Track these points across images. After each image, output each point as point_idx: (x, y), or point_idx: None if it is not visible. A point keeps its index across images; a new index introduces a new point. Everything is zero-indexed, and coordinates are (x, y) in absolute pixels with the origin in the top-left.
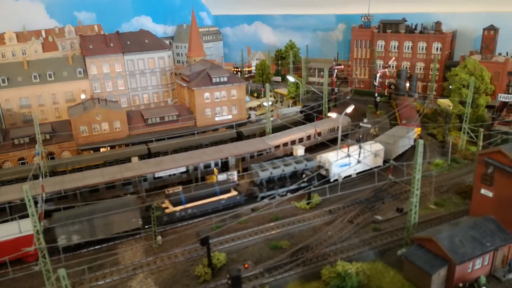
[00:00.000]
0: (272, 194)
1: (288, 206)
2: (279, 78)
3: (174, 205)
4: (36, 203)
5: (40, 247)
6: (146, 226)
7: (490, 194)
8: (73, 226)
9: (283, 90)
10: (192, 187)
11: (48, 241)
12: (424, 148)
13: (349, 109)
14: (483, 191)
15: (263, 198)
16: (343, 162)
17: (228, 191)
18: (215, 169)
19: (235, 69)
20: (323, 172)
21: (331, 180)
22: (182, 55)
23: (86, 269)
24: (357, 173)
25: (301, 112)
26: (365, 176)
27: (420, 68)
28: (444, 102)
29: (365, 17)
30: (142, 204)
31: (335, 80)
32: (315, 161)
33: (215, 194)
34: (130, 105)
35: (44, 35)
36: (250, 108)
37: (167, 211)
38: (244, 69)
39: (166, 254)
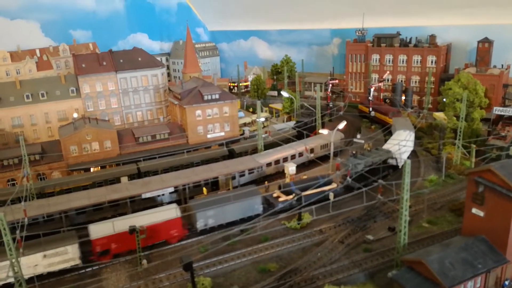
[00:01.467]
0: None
1: (278, 226)
2: (275, 93)
3: (286, 195)
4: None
5: (16, 276)
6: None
7: (482, 214)
8: (210, 211)
9: (279, 105)
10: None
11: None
12: (418, 164)
13: (341, 125)
14: (474, 210)
15: (359, 188)
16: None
17: (330, 183)
18: (204, 188)
19: (231, 84)
20: (392, 162)
21: (400, 166)
22: (178, 71)
23: None
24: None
25: (293, 128)
26: (357, 194)
27: (416, 82)
28: (440, 116)
29: (359, 31)
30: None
31: (330, 94)
32: (390, 153)
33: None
34: (124, 123)
35: (38, 54)
36: (245, 124)
37: (280, 199)
38: (240, 84)
39: (151, 279)
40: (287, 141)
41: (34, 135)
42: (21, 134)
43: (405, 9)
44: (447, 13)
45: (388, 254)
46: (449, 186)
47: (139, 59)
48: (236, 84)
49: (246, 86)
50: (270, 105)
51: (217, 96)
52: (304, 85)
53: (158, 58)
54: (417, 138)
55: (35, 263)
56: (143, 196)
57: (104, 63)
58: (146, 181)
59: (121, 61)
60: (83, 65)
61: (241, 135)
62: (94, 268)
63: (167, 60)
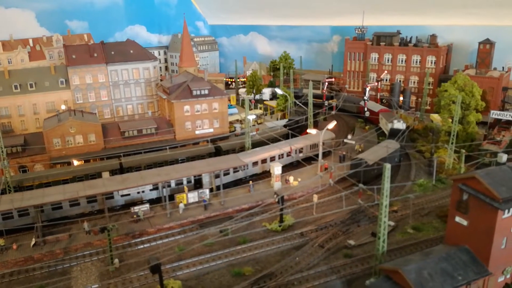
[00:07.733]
0: None
1: (259, 228)
2: None
3: None
4: None
5: None
6: None
7: (465, 223)
8: None
9: (273, 102)
10: None
11: None
12: (409, 167)
13: (331, 125)
14: (457, 219)
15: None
16: None
17: None
18: (185, 186)
19: (229, 80)
20: None
21: None
22: (176, 65)
23: None
24: None
25: (285, 126)
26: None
27: (414, 82)
28: (437, 118)
29: (359, 29)
30: None
31: (325, 92)
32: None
33: None
34: (114, 116)
35: (31, 44)
36: (237, 121)
37: None
38: (238, 80)
39: (121, 279)
40: (277, 139)
41: (22, 126)
42: (8, 125)
43: (407, 7)
44: (450, 12)
45: (368, 261)
46: (439, 191)
47: (131, 51)
48: (233, 80)
49: (244, 82)
50: (265, 102)
51: (206, 92)
52: (301, 83)
53: (156, 51)
54: (411, 140)
55: None
56: (120, 193)
57: (95, 55)
58: (124, 178)
59: (113, 53)
60: (73, 56)
61: (232, 131)
62: (64, 266)
63: (165, 53)
